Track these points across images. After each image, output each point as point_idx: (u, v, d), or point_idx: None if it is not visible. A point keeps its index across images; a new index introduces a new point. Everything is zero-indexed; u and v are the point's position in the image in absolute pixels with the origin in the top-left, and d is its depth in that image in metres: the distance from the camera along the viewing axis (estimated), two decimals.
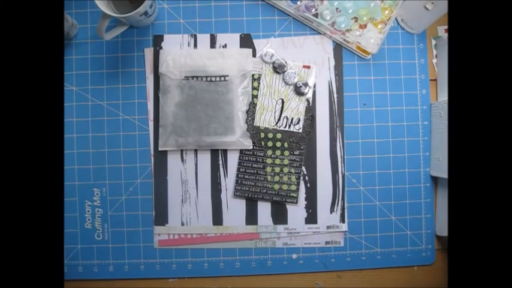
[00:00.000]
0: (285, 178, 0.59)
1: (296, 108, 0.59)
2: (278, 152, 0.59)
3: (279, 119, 0.59)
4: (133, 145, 0.59)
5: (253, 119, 0.59)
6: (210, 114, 0.57)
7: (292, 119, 0.59)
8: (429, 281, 0.60)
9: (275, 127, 0.59)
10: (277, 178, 0.59)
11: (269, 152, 0.59)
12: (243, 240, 0.59)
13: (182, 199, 0.59)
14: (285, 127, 0.59)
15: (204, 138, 0.58)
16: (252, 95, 0.59)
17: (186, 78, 0.57)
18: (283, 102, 0.59)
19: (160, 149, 0.59)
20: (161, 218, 0.59)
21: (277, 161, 0.59)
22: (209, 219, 0.59)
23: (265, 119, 0.59)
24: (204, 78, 0.57)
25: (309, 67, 0.60)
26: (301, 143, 0.59)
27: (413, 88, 0.61)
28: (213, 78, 0.57)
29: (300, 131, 0.59)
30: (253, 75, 0.59)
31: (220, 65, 0.58)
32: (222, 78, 0.58)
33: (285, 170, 0.59)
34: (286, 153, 0.59)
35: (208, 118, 0.57)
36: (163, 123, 0.58)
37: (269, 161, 0.59)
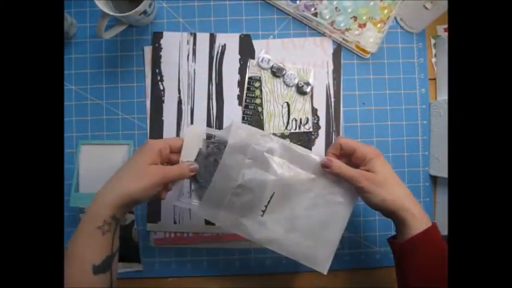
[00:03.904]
0: None
1: (302, 109, 0.59)
2: None
3: (288, 123, 0.59)
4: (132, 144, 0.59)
5: (262, 129, 0.59)
6: None
7: (300, 119, 0.59)
8: None
9: (284, 131, 0.59)
10: None
11: None
12: (240, 240, 0.58)
13: (176, 197, 0.59)
14: (295, 129, 0.59)
15: None
16: (256, 103, 0.59)
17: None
18: (288, 105, 0.59)
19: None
20: (154, 215, 0.59)
21: None
22: (201, 218, 0.59)
23: (274, 125, 0.59)
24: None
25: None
26: (309, 144, 0.59)
27: (412, 87, 0.61)
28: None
29: (310, 130, 0.59)
30: (253, 81, 0.59)
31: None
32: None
33: None
34: None
35: None
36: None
37: None
